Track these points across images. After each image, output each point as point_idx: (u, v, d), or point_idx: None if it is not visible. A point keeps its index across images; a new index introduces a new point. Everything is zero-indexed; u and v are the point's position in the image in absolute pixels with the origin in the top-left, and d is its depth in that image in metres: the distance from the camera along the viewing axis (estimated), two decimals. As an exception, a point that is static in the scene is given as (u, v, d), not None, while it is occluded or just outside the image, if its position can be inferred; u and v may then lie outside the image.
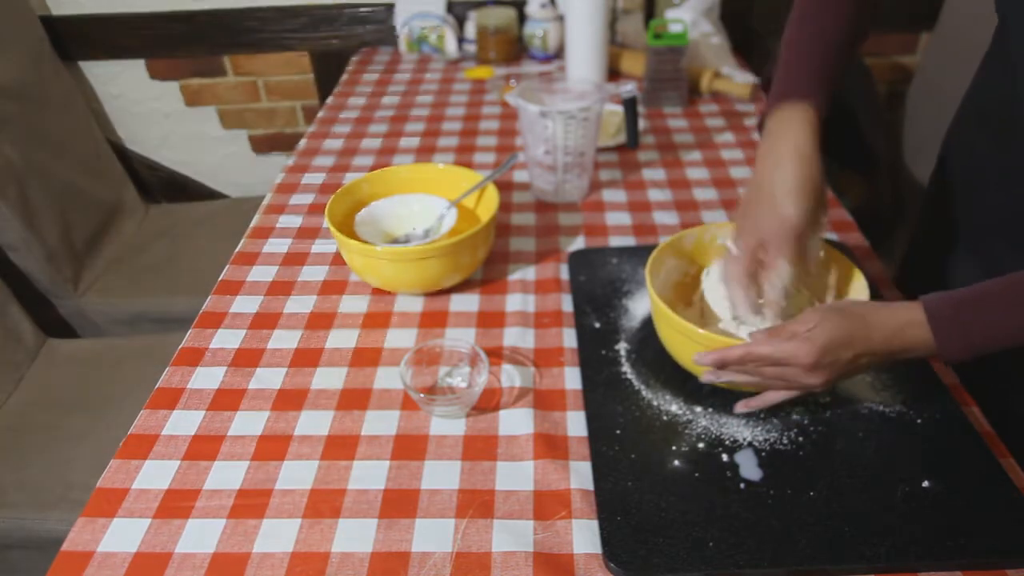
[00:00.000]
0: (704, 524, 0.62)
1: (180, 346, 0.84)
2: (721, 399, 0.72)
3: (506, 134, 1.31)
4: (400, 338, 0.84)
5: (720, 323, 0.74)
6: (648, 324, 0.83)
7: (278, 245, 1.01)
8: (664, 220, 1.03)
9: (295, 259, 0.98)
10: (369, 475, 0.68)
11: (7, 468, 1.10)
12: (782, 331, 0.63)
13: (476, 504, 0.65)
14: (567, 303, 0.88)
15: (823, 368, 0.61)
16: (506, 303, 0.88)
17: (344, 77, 1.59)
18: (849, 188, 1.55)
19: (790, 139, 0.70)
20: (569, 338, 0.83)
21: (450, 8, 1.68)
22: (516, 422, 0.73)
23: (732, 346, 0.64)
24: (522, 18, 1.60)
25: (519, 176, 1.15)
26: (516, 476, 0.67)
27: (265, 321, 0.87)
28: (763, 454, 0.67)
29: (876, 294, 0.79)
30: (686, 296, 0.81)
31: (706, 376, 0.67)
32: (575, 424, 0.72)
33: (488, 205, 0.94)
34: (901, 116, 1.79)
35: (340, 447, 0.71)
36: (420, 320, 0.86)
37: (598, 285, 0.89)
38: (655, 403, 0.73)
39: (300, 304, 0.90)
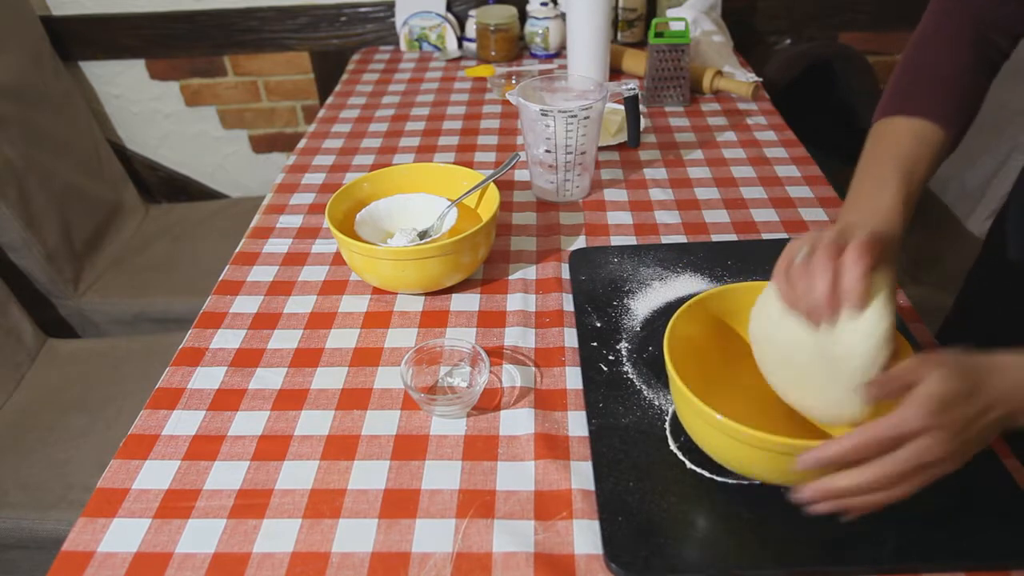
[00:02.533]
0: (705, 525, 0.61)
1: (180, 346, 0.84)
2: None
3: (507, 133, 1.30)
4: (400, 338, 0.84)
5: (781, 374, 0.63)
6: (649, 324, 0.82)
7: (278, 245, 1.01)
8: (665, 219, 1.02)
9: (295, 259, 0.98)
10: (369, 475, 0.68)
11: (7, 468, 1.10)
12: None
13: (477, 504, 0.65)
14: (568, 302, 0.88)
15: (945, 429, 0.49)
16: (507, 302, 0.88)
17: (344, 77, 1.59)
18: (851, 187, 1.54)
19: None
20: (570, 338, 0.82)
21: (450, 6, 1.68)
22: (517, 422, 0.73)
23: (828, 442, 0.51)
24: (523, 16, 1.59)
25: (520, 175, 1.15)
26: (517, 476, 0.67)
27: (265, 321, 0.87)
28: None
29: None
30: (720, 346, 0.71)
31: (808, 497, 0.53)
32: (576, 424, 0.72)
33: (489, 204, 0.94)
34: (903, 115, 1.79)
35: (340, 447, 0.71)
36: (420, 320, 0.86)
37: (599, 284, 0.89)
38: (656, 403, 0.73)
39: (300, 304, 0.90)
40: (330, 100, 1.48)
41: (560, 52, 1.61)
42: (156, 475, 0.68)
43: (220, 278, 0.95)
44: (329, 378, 0.79)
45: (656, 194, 1.09)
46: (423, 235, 0.92)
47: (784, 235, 0.98)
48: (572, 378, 0.77)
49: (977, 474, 0.64)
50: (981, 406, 0.50)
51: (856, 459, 0.51)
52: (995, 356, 0.52)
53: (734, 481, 0.64)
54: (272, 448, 0.71)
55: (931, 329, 0.82)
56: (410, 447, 0.70)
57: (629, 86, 1.07)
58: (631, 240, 0.99)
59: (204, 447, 0.71)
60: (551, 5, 1.57)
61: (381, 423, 0.73)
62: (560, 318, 0.85)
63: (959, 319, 0.91)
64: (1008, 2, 0.71)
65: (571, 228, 1.02)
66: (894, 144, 0.68)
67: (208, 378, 0.79)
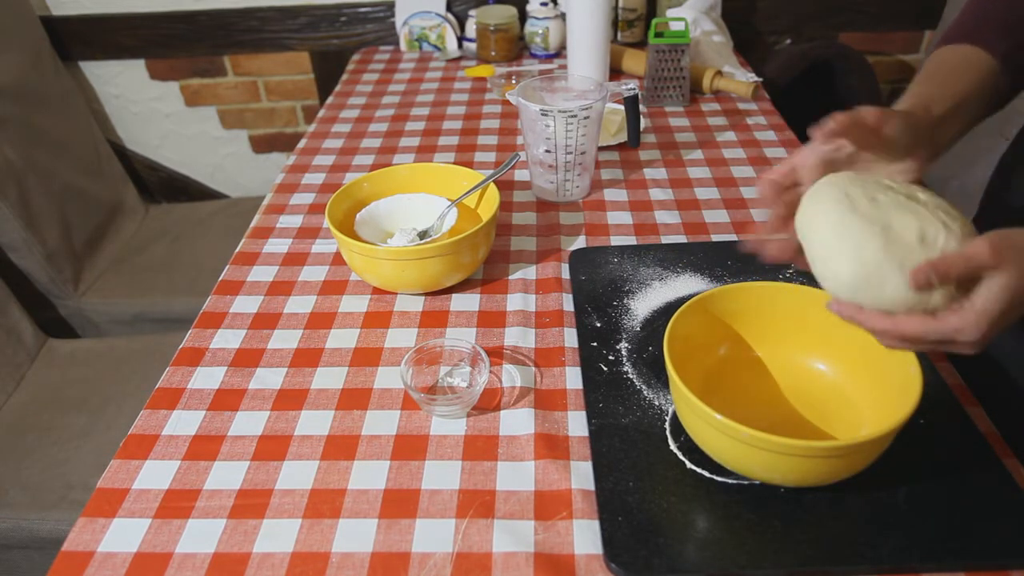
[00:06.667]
0: (705, 525, 0.61)
1: (180, 346, 0.84)
2: (723, 399, 0.71)
3: (507, 133, 1.30)
4: (400, 338, 0.84)
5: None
6: (649, 324, 0.82)
7: (278, 245, 1.01)
8: (665, 219, 1.02)
9: (295, 259, 0.98)
10: (369, 475, 0.68)
11: (7, 468, 1.10)
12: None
13: (477, 504, 0.65)
14: (568, 302, 0.88)
15: (990, 337, 0.50)
16: (507, 302, 0.88)
17: (344, 77, 1.59)
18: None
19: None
20: (570, 338, 0.82)
21: (450, 6, 1.68)
22: (517, 422, 0.73)
23: (874, 314, 0.54)
24: (523, 16, 1.59)
25: (520, 175, 1.15)
26: (517, 476, 0.67)
27: (265, 321, 0.87)
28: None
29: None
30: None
31: (836, 310, 0.57)
32: (576, 424, 0.72)
33: (489, 204, 0.94)
34: (903, 115, 1.79)
35: (340, 447, 0.71)
36: (420, 320, 0.86)
37: (599, 284, 0.88)
38: (656, 403, 0.73)
39: (300, 304, 0.90)
40: (330, 100, 1.48)
41: (560, 52, 1.61)
42: (156, 475, 0.68)
43: (220, 278, 0.95)
44: (329, 378, 0.79)
45: (656, 194, 1.09)
46: (423, 235, 0.92)
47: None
48: (572, 378, 0.77)
49: (977, 474, 0.64)
50: None
51: (892, 340, 0.53)
52: None
53: (734, 481, 0.64)
54: (272, 448, 0.71)
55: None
56: (410, 447, 0.70)
57: (629, 86, 1.07)
58: (631, 240, 0.99)
59: (204, 447, 0.71)
60: (551, 5, 1.57)
61: (381, 423, 0.73)
62: (560, 318, 0.85)
63: None
64: None
65: (571, 228, 1.02)
66: (928, 63, 0.69)
67: (208, 378, 0.79)
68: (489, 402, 0.75)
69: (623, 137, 1.21)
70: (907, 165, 0.61)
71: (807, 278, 0.86)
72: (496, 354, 0.81)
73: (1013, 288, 0.49)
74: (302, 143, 1.30)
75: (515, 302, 0.88)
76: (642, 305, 0.85)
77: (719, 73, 1.39)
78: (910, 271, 0.51)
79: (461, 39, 1.67)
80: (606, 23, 1.31)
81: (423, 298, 0.89)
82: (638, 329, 0.82)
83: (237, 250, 1.00)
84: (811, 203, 0.59)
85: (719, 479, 0.65)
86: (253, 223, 1.07)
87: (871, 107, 0.59)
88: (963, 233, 0.54)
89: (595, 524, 0.62)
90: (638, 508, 0.62)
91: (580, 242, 0.99)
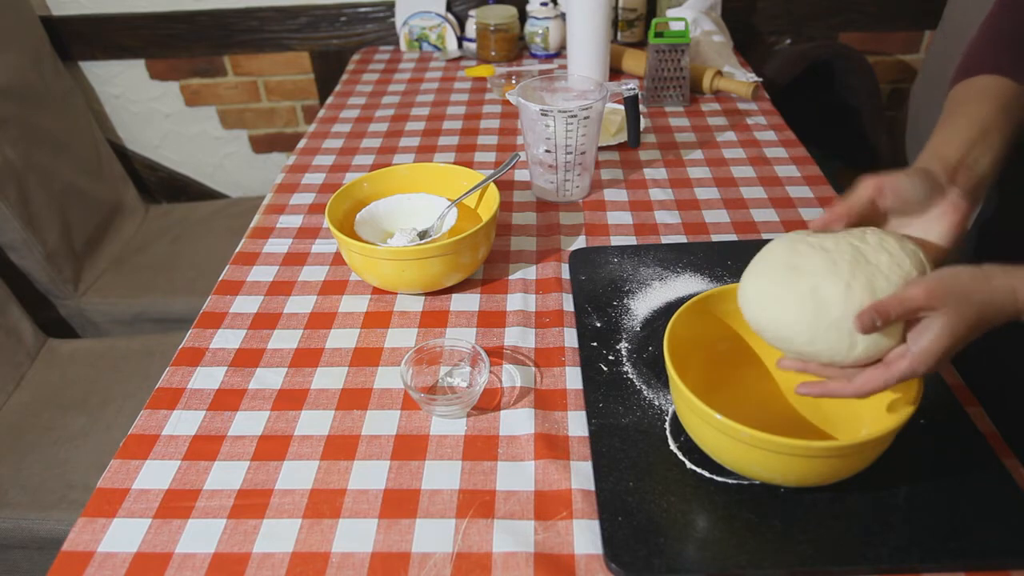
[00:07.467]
0: (705, 525, 0.61)
1: (180, 346, 0.84)
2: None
3: (507, 133, 1.30)
4: (400, 338, 0.84)
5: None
6: (649, 324, 0.82)
7: (278, 245, 1.01)
8: (665, 219, 1.02)
9: (295, 259, 0.98)
10: (369, 475, 0.68)
11: (7, 468, 1.10)
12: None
13: (477, 504, 0.65)
14: (568, 302, 0.88)
15: (940, 367, 0.54)
16: (507, 302, 0.88)
17: (344, 77, 1.59)
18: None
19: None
20: (570, 338, 0.82)
21: (450, 6, 1.68)
22: (517, 422, 0.73)
23: (831, 382, 0.59)
24: (523, 16, 1.59)
25: (520, 175, 1.15)
26: (517, 476, 0.67)
27: (265, 321, 0.87)
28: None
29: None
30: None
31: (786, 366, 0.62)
32: (576, 424, 0.72)
33: (489, 204, 0.94)
34: (904, 114, 1.79)
35: (340, 447, 0.71)
36: (420, 320, 0.86)
37: (599, 284, 0.88)
38: (656, 403, 0.73)
39: (300, 304, 0.90)
40: (330, 100, 1.48)
41: (560, 52, 1.61)
42: (156, 475, 0.68)
43: (220, 278, 0.95)
44: (329, 378, 0.79)
45: (656, 194, 1.09)
46: (423, 235, 0.92)
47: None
48: (572, 378, 0.77)
49: (977, 474, 0.64)
50: (971, 339, 0.55)
51: (851, 395, 0.58)
52: (987, 269, 0.55)
53: (734, 481, 0.64)
54: (272, 448, 0.71)
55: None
56: (410, 447, 0.70)
57: (629, 86, 1.07)
58: (631, 240, 0.99)
59: (204, 447, 0.71)
60: (551, 5, 1.57)
61: (381, 423, 0.73)
62: (560, 318, 0.85)
63: None
64: None
65: (571, 228, 1.02)
66: (952, 103, 0.69)
67: (208, 378, 0.79)
68: (489, 402, 0.75)
69: (623, 137, 1.21)
70: (939, 211, 0.61)
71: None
72: (496, 354, 0.81)
73: (952, 328, 0.54)
74: (302, 143, 1.30)
75: (515, 302, 0.88)
76: (642, 305, 0.85)
77: (719, 73, 1.39)
78: (855, 316, 0.56)
79: (461, 39, 1.67)
80: (606, 23, 1.31)
81: (423, 298, 0.89)
82: (638, 329, 0.82)
83: (237, 250, 1.00)
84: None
85: (719, 479, 0.65)
86: (253, 223, 1.07)
87: (870, 180, 0.61)
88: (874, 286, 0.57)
89: (595, 524, 0.62)
90: (638, 508, 0.62)
91: (580, 242, 0.99)
